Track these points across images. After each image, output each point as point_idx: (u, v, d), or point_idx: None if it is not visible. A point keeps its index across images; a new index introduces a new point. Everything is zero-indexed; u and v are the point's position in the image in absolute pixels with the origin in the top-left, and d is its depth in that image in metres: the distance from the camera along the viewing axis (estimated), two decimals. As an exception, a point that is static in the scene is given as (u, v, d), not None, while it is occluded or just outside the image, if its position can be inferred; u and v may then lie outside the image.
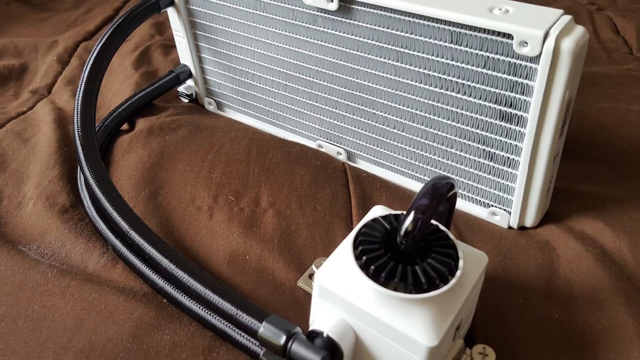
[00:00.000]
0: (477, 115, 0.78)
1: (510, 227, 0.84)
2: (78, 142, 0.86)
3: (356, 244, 0.57)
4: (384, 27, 0.79)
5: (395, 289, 0.54)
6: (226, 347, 0.67)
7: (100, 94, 1.18)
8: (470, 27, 0.72)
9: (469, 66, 0.75)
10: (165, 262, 0.71)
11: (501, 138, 0.78)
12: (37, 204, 0.88)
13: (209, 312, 0.67)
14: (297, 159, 0.96)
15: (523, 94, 0.72)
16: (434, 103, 0.81)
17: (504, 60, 0.71)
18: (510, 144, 0.77)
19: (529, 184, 0.79)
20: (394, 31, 0.79)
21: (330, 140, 0.99)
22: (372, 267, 0.54)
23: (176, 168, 0.94)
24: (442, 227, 0.60)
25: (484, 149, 0.80)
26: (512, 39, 0.69)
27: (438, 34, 0.75)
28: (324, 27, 0.85)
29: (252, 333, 0.62)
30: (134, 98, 1.08)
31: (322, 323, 0.59)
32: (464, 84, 0.77)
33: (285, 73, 0.96)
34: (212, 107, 1.14)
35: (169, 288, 0.71)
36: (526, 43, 0.68)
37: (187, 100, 1.16)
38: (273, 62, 0.96)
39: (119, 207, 0.78)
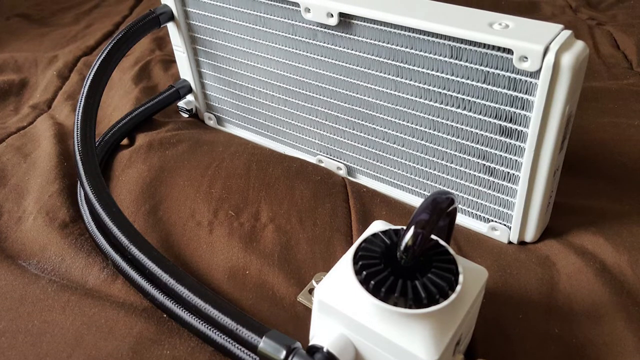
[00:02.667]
0: (477, 130, 0.78)
1: (510, 242, 0.84)
2: (78, 157, 0.86)
3: (356, 259, 0.57)
4: (384, 42, 0.79)
5: (395, 304, 0.54)
6: (226, 362, 0.68)
7: (100, 109, 1.18)
8: (470, 42, 0.72)
9: (469, 81, 0.75)
10: (165, 277, 0.71)
11: (501, 153, 0.78)
12: (37, 219, 0.88)
13: (209, 327, 0.67)
14: (297, 174, 0.96)
15: (523, 109, 0.72)
16: (434, 118, 0.81)
17: (504, 75, 0.72)
18: (510, 159, 0.77)
19: (529, 199, 0.79)
20: (394, 46, 0.79)
21: (330, 155, 0.99)
22: (372, 282, 0.54)
23: (176, 183, 0.95)
24: (442, 242, 0.60)
25: (484, 164, 0.80)
26: (512, 54, 0.69)
27: (438, 49, 0.75)
28: (324, 42, 0.86)
29: (252, 348, 0.62)
30: (134, 113, 1.08)
31: (322, 338, 0.59)
32: (464, 99, 0.77)
33: (285, 88, 0.96)
34: (212, 122, 1.15)
35: (169, 303, 0.71)
36: (526, 58, 0.68)
37: (187, 115, 1.16)
38: (273, 77, 0.97)
39: (119, 222, 0.78)
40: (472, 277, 0.60)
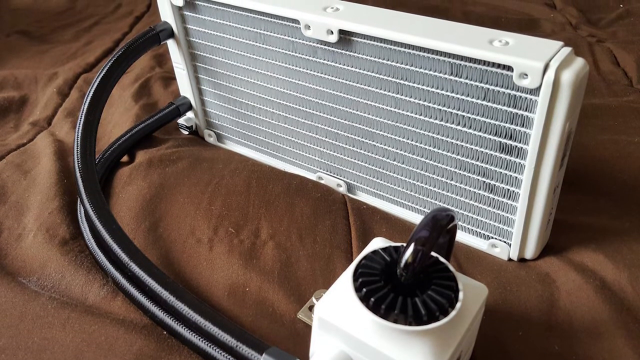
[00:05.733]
0: (477, 147, 0.78)
1: (510, 259, 0.84)
2: (78, 174, 0.86)
3: (356, 275, 0.57)
4: (383, 59, 0.80)
5: (396, 321, 0.54)
6: (226, 379, 0.67)
7: (100, 126, 1.18)
8: (470, 59, 0.72)
9: (468, 98, 0.75)
10: (165, 294, 0.71)
11: (501, 170, 0.78)
12: (37, 236, 0.88)
13: (209, 344, 0.67)
14: (297, 191, 0.96)
15: (523, 126, 0.72)
16: (434, 135, 0.81)
17: (504, 92, 0.72)
18: (510, 176, 0.77)
19: (529, 216, 0.79)
20: (393, 63, 0.79)
21: (330, 172, 0.99)
22: (372, 299, 0.54)
23: (176, 200, 0.95)
24: (442, 259, 0.60)
25: (484, 181, 0.80)
26: (512, 71, 0.69)
27: (438, 65, 0.75)
28: (324, 59, 0.86)
29: (252, 365, 0.62)
30: (134, 130, 1.08)
31: (322, 355, 0.59)
32: (464, 116, 0.77)
33: (285, 105, 0.96)
34: (212, 139, 1.15)
35: (169, 320, 0.71)
36: (526, 75, 0.68)
37: (187, 132, 1.16)
38: (273, 94, 0.97)
39: (119, 239, 0.78)
40: (472, 294, 0.60)
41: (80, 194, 0.84)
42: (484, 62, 0.71)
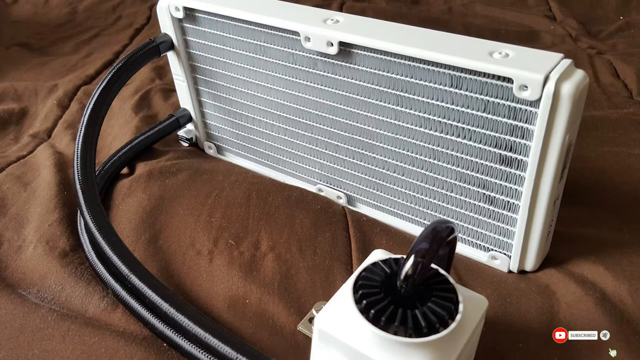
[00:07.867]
0: (477, 159, 0.78)
1: (510, 271, 0.84)
2: (78, 186, 0.86)
3: (356, 287, 0.57)
4: (383, 70, 0.80)
5: (396, 333, 0.53)
6: (226, 391, 0.67)
7: (100, 138, 1.17)
8: (470, 71, 0.72)
9: (468, 110, 0.75)
10: (165, 306, 0.70)
11: (501, 182, 0.78)
12: (37, 247, 0.87)
13: (210, 356, 0.67)
14: (297, 203, 0.96)
15: (523, 137, 0.72)
16: (433, 147, 0.81)
17: (504, 104, 0.72)
18: (510, 187, 0.77)
19: (529, 228, 0.78)
20: (393, 75, 0.79)
21: (330, 184, 0.99)
22: (372, 311, 0.54)
23: (176, 212, 0.94)
24: (442, 271, 0.60)
25: (484, 193, 0.80)
26: (512, 82, 0.69)
27: (438, 77, 0.75)
28: (324, 71, 0.86)
29: (252, 377, 0.62)
30: (134, 142, 1.08)
31: (323, 367, 0.59)
32: (463, 127, 0.77)
33: (285, 117, 0.96)
34: (212, 151, 1.15)
35: (169, 332, 0.71)
36: (526, 87, 0.68)
37: (187, 144, 1.16)
38: (273, 106, 0.97)
39: (119, 251, 0.78)
40: (472, 306, 0.60)
41: (80, 206, 0.84)
42: (484, 74, 0.71)
